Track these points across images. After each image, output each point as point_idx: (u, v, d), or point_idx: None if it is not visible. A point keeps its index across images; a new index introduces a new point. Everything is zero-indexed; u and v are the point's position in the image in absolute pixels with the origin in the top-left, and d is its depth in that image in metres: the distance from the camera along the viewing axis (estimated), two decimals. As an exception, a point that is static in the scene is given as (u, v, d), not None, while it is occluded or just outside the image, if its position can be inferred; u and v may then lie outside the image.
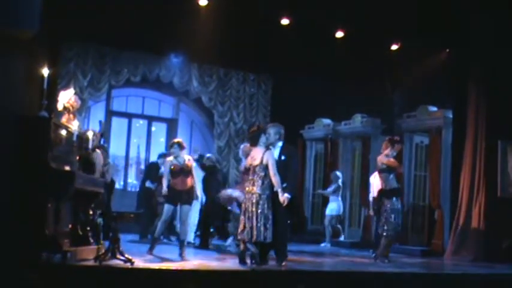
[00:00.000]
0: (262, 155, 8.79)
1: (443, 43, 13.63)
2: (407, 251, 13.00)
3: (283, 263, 8.89)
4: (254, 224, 8.63)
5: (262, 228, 8.60)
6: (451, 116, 13.63)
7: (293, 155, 9.47)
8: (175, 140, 10.32)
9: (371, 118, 15.50)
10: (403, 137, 14.02)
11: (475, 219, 12.31)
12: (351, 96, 14.96)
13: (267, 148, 8.92)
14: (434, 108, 14.15)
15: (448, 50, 13.79)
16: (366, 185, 14.87)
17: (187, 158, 10.09)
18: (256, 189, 8.71)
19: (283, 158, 9.12)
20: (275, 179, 8.69)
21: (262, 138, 9.02)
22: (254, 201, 8.69)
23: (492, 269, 10.86)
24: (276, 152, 9.16)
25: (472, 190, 12.48)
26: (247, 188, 8.97)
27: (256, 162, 8.85)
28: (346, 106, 15.53)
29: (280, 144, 9.24)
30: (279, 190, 8.70)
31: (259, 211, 8.63)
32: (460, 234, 12.49)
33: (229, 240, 11.68)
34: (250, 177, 8.94)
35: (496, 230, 12.06)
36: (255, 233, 8.62)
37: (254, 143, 9.25)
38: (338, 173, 15.06)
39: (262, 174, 8.73)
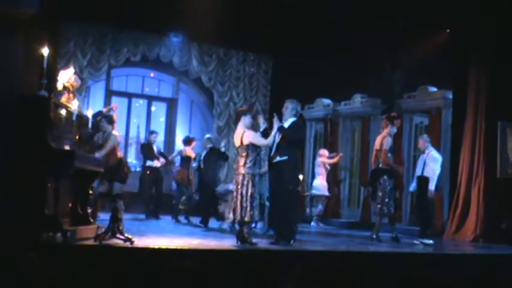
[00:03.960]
0: (242, 136, 8.79)
1: (444, 23, 13.58)
2: (407, 231, 13.01)
3: (291, 242, 8.91)
4: (238, 204, 8.66)
5: (248, 208, 8.61)
6: (451, 96, 13.62)
7: (297, 131, 9.50)
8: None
9: (371, 98, 15.51)
10: (402, 118, 14.02)
11: (474, 200, 12.34)
12: (351, 77, 14.90)
13: (247, 129, 8.89)
14: (434, 89, 14.14)
15: (448, 31, 13.73)
16: (365, 165, 14.91)
17: (114, 135, 9.36)
18: (240, 170, 8.72)
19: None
20: (267, 143, 8.82)
21: (245, 120, 8.97)
22: (240, 181, 8.71)
23: (491, 249, 10.90)
24: (285, 125, 9.20)
25: (472, 171, 12.50)
26: (234, 170, 9.01)
27: (237, 143, 8.88)
28: (346, 86, 15.50)
29: (291, 119, 9.29)
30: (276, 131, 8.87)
31: (244, 191, 8.64)
32: (459, 215, 12.54)
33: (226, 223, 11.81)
34: (236, 159, 8.97)
35: (495, 210, 12.09)
36: (238, 212, 8.65)
37: (237, 120, 9.17)
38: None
39: (244, 154, 8.71)
